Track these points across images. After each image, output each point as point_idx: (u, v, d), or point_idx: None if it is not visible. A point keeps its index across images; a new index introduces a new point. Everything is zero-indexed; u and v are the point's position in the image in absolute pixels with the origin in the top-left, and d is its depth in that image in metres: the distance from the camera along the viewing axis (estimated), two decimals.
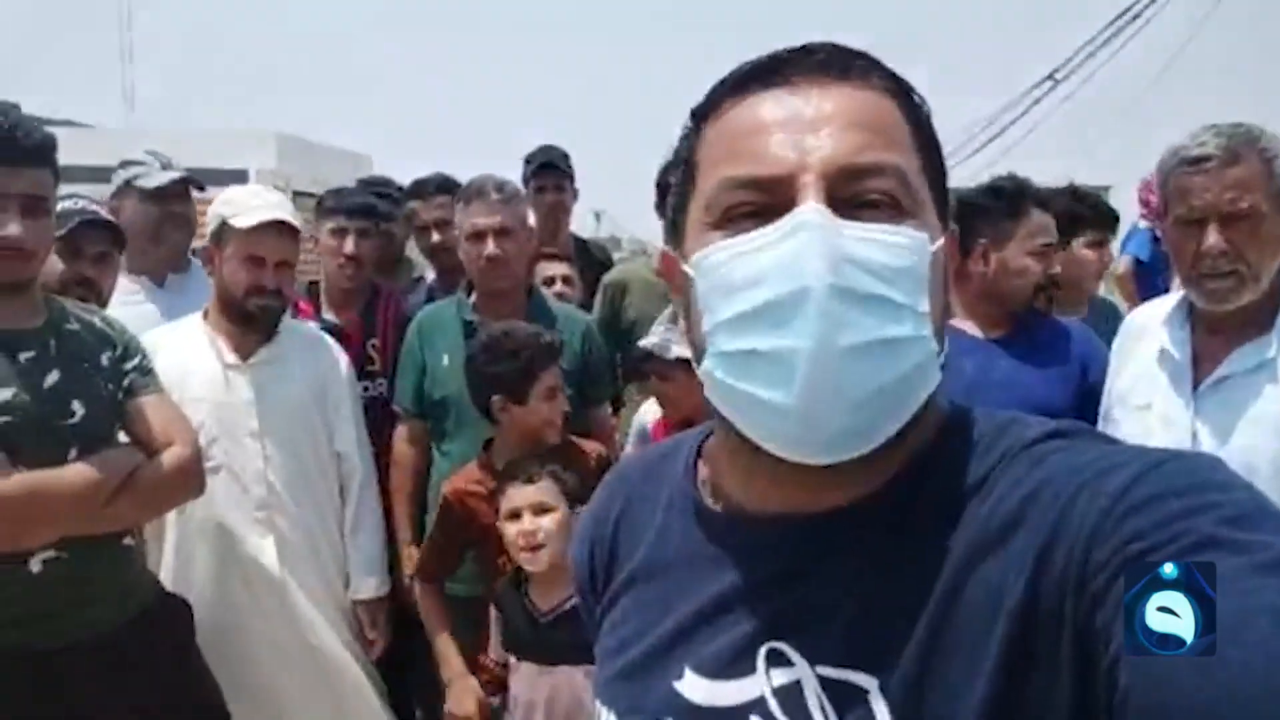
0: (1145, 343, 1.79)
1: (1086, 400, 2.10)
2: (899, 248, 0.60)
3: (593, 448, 2.28)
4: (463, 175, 3.20)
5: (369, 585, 2.32)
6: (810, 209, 0.59)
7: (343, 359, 2.42)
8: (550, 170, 3.32)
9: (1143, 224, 4.49)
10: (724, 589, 0.68)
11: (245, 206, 2.21)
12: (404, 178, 3.33)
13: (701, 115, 0.69)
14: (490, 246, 2.45)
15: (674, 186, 0.71)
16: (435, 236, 3.01)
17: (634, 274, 3.07)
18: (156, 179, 2.65)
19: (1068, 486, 0.57)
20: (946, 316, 0.66)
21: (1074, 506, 0.56)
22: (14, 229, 1.57)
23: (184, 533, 2.19)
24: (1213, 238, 1.56)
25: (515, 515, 1.98)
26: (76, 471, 1.64)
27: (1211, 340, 1.67)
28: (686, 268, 0.66)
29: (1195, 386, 1.67)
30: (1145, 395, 1.74)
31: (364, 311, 2.78)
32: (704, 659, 0.67)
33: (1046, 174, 2.33)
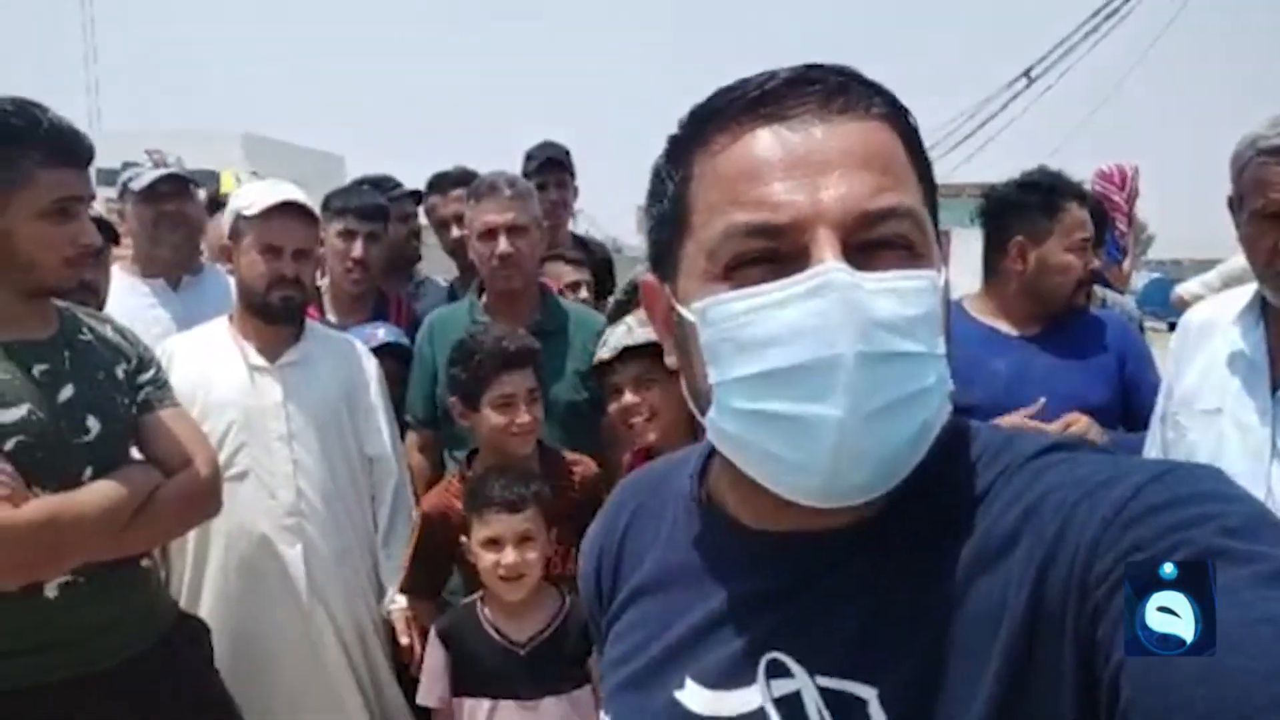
0: (1212, 343, 1.69)
1: (1125, 392, 2.07)
2: (918, 294, 0.59)
3: (581, 467, 2.18)
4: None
5: (404, 595, 2.22)
6: (834, 267, 0.57)
7: (371, 363, 2.33)
8: (553, 167, 3.23)
9: None
10: (726, 601, 0.68)
11: (257, 196, 2.13)
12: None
13: (687, 147, 0.65)
14: (503, 244, 2.37)
15: (659, 220, 0.68)
16: (455, 231, 2.91)
17: None
18: (145, 179, 2.59)
19: (1069, 499, 0.57)
20: (948, 332, 0.65)
21: (1075, 518, 0.56)
22: (92, 235, 1.52)
23: (205, 544, 2.10)
24: None
25: (495, 543, 1.88)
26: (98, 493, 1.54)
27: None
28: (685, 312, 0.64)
29: (1274, 390, 1.57)
30: (1215, 399, 1.64)
31: (373, 316, 2.69)
32: (705, 669, 0.67)
33: (1021, 170, 2.29)
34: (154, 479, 1.65)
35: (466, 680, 1.93)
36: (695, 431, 2.07)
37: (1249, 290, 1.67)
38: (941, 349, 0.61)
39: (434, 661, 1.96)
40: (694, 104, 0.66)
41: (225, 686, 1.88)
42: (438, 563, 2.11)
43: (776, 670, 0.63)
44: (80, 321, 1.68)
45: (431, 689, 1.96)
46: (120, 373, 1.68)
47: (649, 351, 2.02)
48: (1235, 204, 1.58)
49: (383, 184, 3.11)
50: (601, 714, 0.75)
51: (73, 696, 1.56)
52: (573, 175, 3.33)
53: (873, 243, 0.60)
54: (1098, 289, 2.77)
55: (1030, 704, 0.55)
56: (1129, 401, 2.07)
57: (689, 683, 0.68)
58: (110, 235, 2.21)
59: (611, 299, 2.97)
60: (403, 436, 2.45)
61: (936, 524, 0.62)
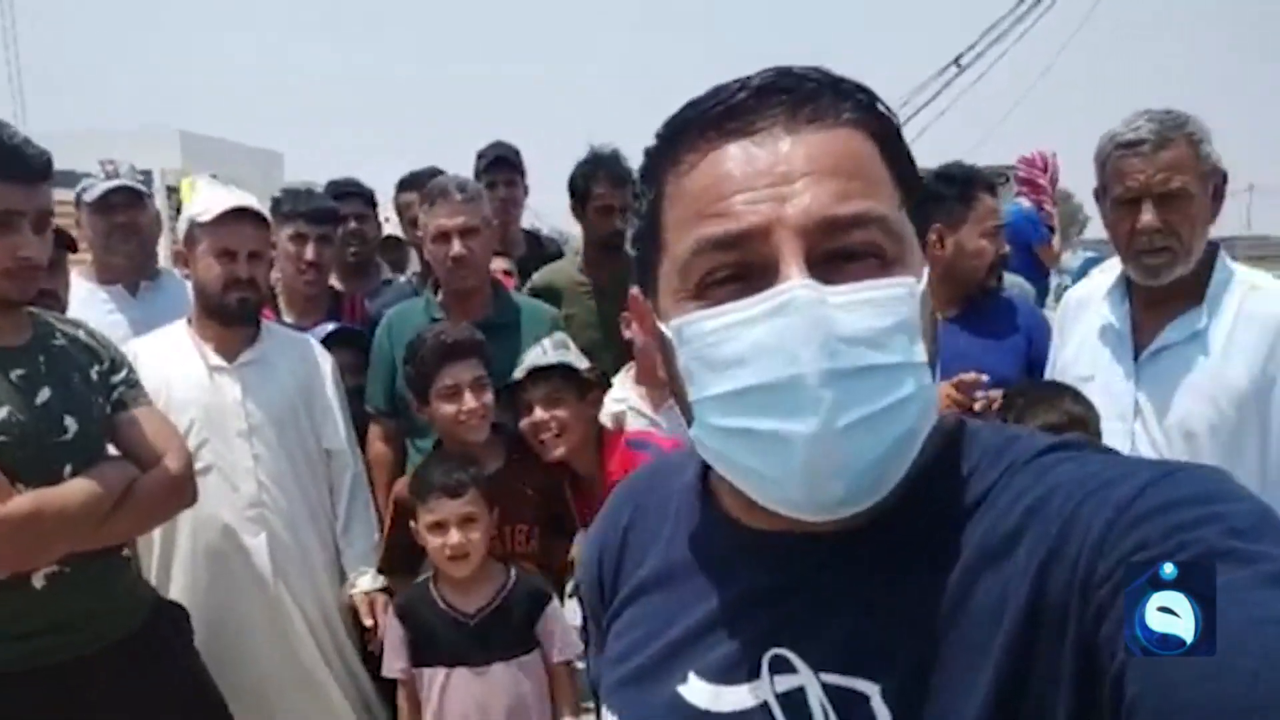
0: (1086, 317, 1.91)
1: (1032, 369, 2.26)
2: (889, 302, 0.58)
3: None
4: (381, 174, 3.25)
5: (364, 580, 2.33)
6: (798, 284, 0.57)
7: (327, 360, 2.42)
8: (502, 166, 3.35)
9: (1024, 202, 4.65)
10: (730, 597, 0.69)
11: (210, 203, 2.21)
12: (317, 177, 3.31)
13: (659, 164, 0.66)
14: (456, 247, 2.48)
15: (638, 237, 0.70)
16: None
17: (562, 275, 3.09)
18: (97, 190, 2.64)
19: (1073, 497, 0.57)
20: (935, 335, 0.65)
21: (1079, 517, 0.56)
22: (33, 249, 1.56)
23: (172, 535, 2.18)
24: (1148, 216, 1.69)
25: (440, 527, 2.02)
26: (78, 488, 1.63)
27: (1148, 313, 1.80)
28: (665, 329, 0.65)
29: (1136, 358, 1.79)
30: (1088, 367, 1.86)
31: (328, 316, 2.78)
32: (708, 664, 0.67)
33: (952, 158, 2.47)
34: (131, 473, 1.74)
35: (423, 652, 2.08)
36: (601, 448, 2.23)
37: (1117, 268, 1.89)
38: (920, 356, 0.59)
39: (394, 636, 2.11)
40: (666, 117, 0.67)
41: (206, 668, 1.97)
42: (409, 543, 2.23)
43: (780, 666, 0.63)
44: (54, 327, 1.76)
45: (393, 662, 2.11)
46: (94, 374, 1.76)
47: (559, 372, 2.18)
48: (1100, 194, 1.80)
49: (348, 187, 3.21)
50: (604, 710, 0.75)
51: (63, 680, 1.65)
52: (523, 174, 3.44)
53: (840, 253, 0.59)
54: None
55: (1029, 699, 0.55)
56: (1036, 375, 2.27)
57: (692, 678, 0.67)
58: (66, 243, 2.25)
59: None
60: (366, 427, 2.55)
61: (939, 521, 0.62)
